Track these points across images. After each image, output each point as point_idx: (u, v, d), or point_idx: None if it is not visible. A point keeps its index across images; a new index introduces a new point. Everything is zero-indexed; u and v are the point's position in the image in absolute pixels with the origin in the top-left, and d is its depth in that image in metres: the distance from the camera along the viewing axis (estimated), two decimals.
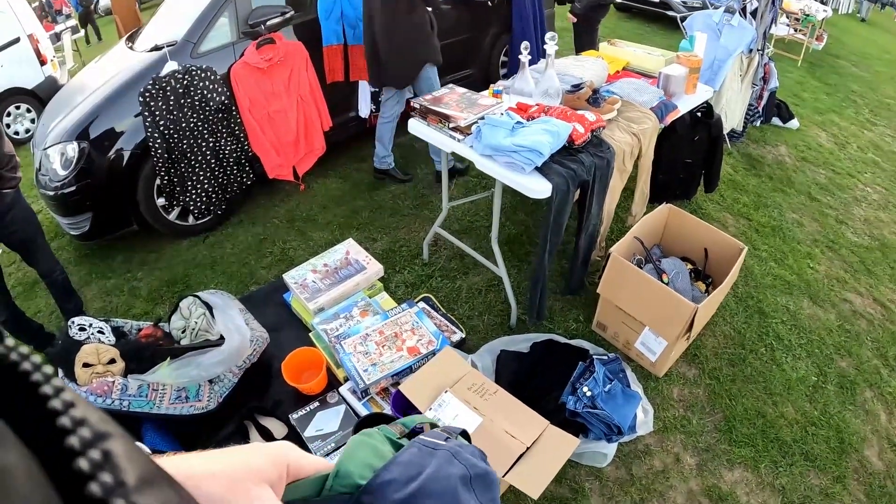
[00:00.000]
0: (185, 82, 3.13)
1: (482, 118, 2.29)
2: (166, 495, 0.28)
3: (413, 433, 0.72)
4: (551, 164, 2.15)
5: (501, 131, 2.17)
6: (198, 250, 3.53)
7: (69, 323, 2.33)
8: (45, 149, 3.19)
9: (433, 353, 2.30)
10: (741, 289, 2.84)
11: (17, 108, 6.25)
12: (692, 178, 3.35)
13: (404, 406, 2.10)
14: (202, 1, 3.39)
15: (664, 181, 3.29)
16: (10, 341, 0.27)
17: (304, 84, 3.52)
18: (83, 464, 0.23)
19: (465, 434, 1.69)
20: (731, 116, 3.84)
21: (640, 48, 3.22)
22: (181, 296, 2.87)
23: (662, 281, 2.38)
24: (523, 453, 1.76)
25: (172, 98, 3.11)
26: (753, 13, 3.67)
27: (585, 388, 2.06)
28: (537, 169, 2.13)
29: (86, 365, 2.11)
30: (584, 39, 4.50)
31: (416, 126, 2.53)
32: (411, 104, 2.54)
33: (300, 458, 0.48)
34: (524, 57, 2.53)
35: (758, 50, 3.74)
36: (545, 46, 2.45)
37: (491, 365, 2.36)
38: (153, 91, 3.06)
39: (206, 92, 3.19)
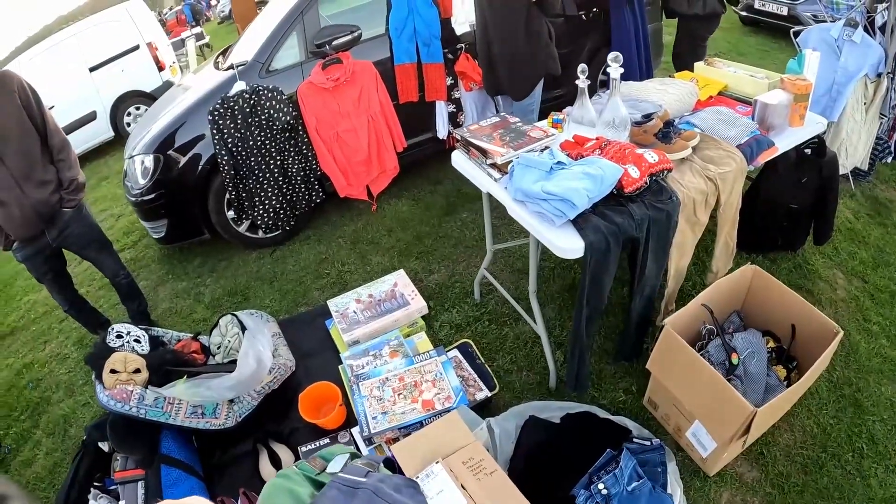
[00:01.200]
0: (252, 102, 3.16)
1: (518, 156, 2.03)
2: None
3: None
4: (590, 216, 1.84)
5: (534, 173, 1.90)
6: (263, 263, 3.60)
7: (109, 329, 2.51)
8: (130, 157, 3.41)
9: (448, 411, 2.10)
10: (838, 372, 2.31)
11: (137, 108, 7.01)
12: (797, 227, 2.83)
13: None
14: (273, 21, 3.43)
15: (763, 229, 2.82)
16: None
17: (375, 103, 3.43)
18: None
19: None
20: (854, 153, 3.20)
21: (742, 69, 2.74)
22: (233, 309, 2.91)
23: (731, 361, 1.99)
24: None
25: (240, 117, 3.16)
26: (882, 28, 3.03)
27: (602, 485, 1.75)
28: (573, 221, 1.84)
29: (113, 371, 2.25)
30: (688, 59, 4.01)
31: (458, 159, 2.32)
32: (453, 134, 2.34)
33: None
34: (582, 82, 2.22)
35: (888, 73, 3.08)
36: (608, 69, 2.12)
37: (513, 431, 2.09)
38: (221, 110, 3.13)
39: (272, 111, 3.21)
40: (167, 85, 6.82)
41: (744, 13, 6.66)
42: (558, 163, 1.92)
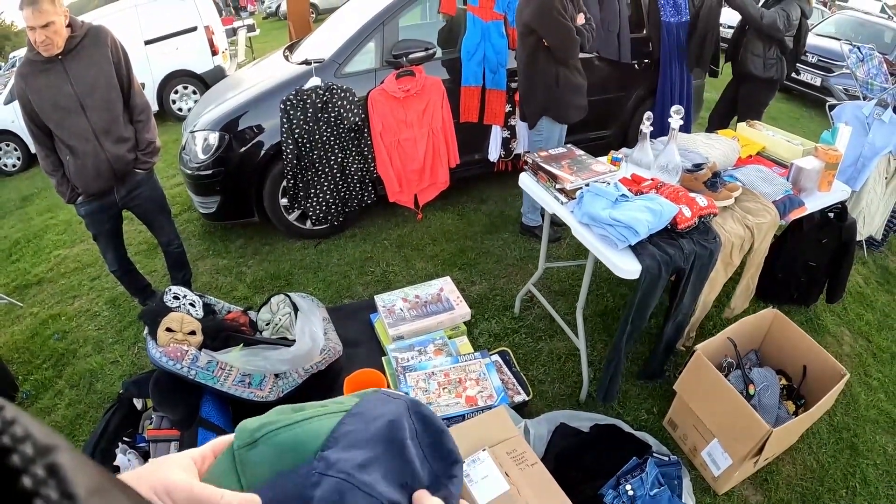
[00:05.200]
0: (325, 98, 3.35)
1: (587, 184, 2.26)
2: (119, 502, 0.27)
3: None
4: (647, 244, 2.07)
5: (602, 201, 2.13)
6: (307, 253, 3.73)
7: (166, 290, 2.54)
8: (192, 131, 3.54)
9: (489, 408, 2.28)
10: (839, 417, 2.54)
11: (185, 88, 7.15)
12: (814, 284, 3.07)
13: None
14: (354, 25, 3.62)
15: (783, 281, 3.05)
16: None
17: (438, 118, 3.64)
18: (26, 481, 0.22)
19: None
20: (870, 222, 3.49)
21: (780, 133, 3.01)
22: (278, 291, 3.05)
23: (748, 392, 2.21)
24: None
25: (311, 111, 3.34)
26: None
27: (629, 486, 1.95)
28: (632, 247, 2.07)
29: (169, 329, 2.32)
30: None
31: (525, 180, 2.55)
32: (524, 158, 2.56)
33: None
34: (646, 128, 2.47)
35: None
36: (669, 120, 2.38)
37: (545, 435, 2.29)
38: (294, 101, 3.31)
39: (342, 111, 3.40)
40: (218, 69, 7.00)
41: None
42: (622, 195, 2.15)
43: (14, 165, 6.85)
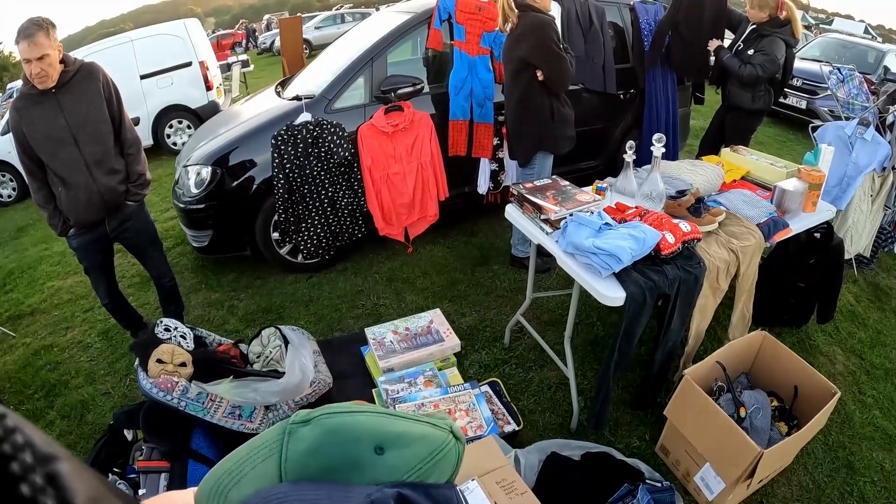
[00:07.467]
0: (315, 133, 3.40)
1: (571, 214, 2.29)
2: None
3: None
4: (631, 271, 2.09)
5: (586, 230, 2.15)
6: (298, 287, 3.74)
7: (157, 321, 2.57)
8: (185, 166, 3.59)
9: (479, 439, 2.27)
10: (834, 436, 2.53)
11: (180, 122, 7.23)
12: (803, 305, 3.08)
13: None
14: (343, 62, 3.69)
15: (773, 303, 3.06)
16: None
17: (426, 152, 3.68)
18: (24, 489, 0.23)
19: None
20: (857, 240, 3.52)
21: (763, 157, 3.04)
22: (270, 324, 3.06)
23: (739, 415, 2.21)
24: None
25: (301, 146, 3.39)
26: (892, 127, 3.36)
27: None
28: (616, 274, 2.09)
29: (159, 361, 2.34)
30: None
31: (511, 212, 2.58)
32: (510, 190, 2.59)
33: None
34: (629, 157, 2.51)
35: (893, 168, 3.40)
36: (652, 148, 2.42)
37: (536, 464, 2.28)
38: (285, 136, 3.35)
39: (332, 146, 3.44)
40: (212, 104, 7.11)
41: None
42: (606, 224, 2.18)
43: (9, 196, 6.94)
